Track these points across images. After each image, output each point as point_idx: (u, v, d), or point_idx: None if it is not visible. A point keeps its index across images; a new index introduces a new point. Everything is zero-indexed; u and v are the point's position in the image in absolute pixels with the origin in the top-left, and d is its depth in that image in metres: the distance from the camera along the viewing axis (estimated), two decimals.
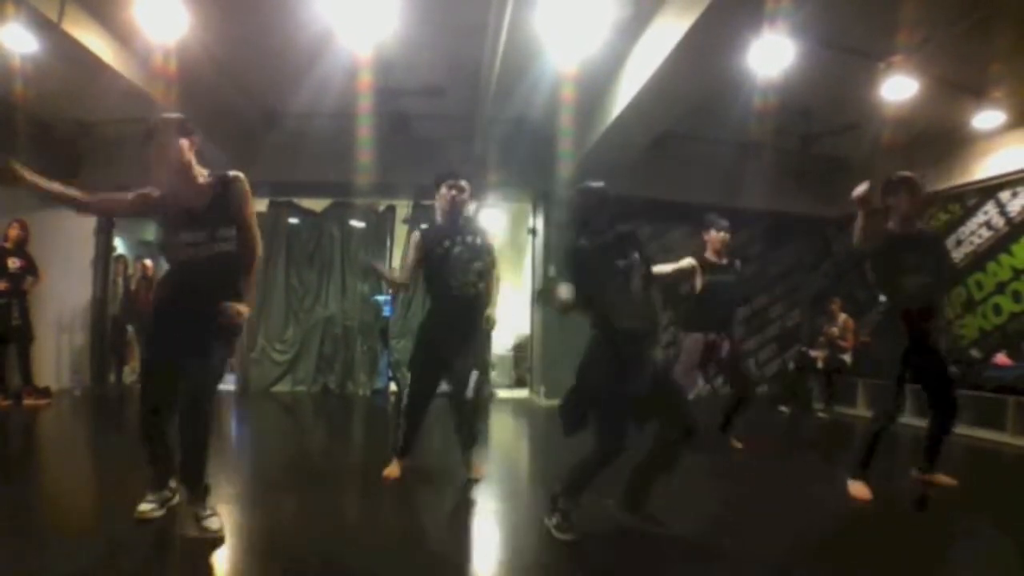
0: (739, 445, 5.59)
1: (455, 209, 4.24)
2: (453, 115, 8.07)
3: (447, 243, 4.14)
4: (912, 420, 6.56)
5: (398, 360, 9.02)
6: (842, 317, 8.79)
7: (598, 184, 3.46)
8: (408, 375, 4.47)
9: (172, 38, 5.27)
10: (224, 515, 3.39)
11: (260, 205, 9.56)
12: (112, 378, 9.36)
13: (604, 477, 3.09)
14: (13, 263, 7.15)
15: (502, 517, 3.70)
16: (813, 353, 8.85)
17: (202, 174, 3.16)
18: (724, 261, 5.62)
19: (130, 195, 3.12)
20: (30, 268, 7.28)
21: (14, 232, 7.24)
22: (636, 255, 3.30)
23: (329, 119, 7.69)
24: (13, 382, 7.20)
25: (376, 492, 4.04)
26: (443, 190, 4.24)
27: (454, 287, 4.10)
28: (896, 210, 4.22)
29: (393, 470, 4.17)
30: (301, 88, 6.84)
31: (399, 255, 9.61)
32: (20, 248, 7.27)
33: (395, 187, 8.95)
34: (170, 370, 3.06)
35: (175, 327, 3.07)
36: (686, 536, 3.33)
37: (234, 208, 3.12)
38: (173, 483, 3.28)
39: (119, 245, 9.92)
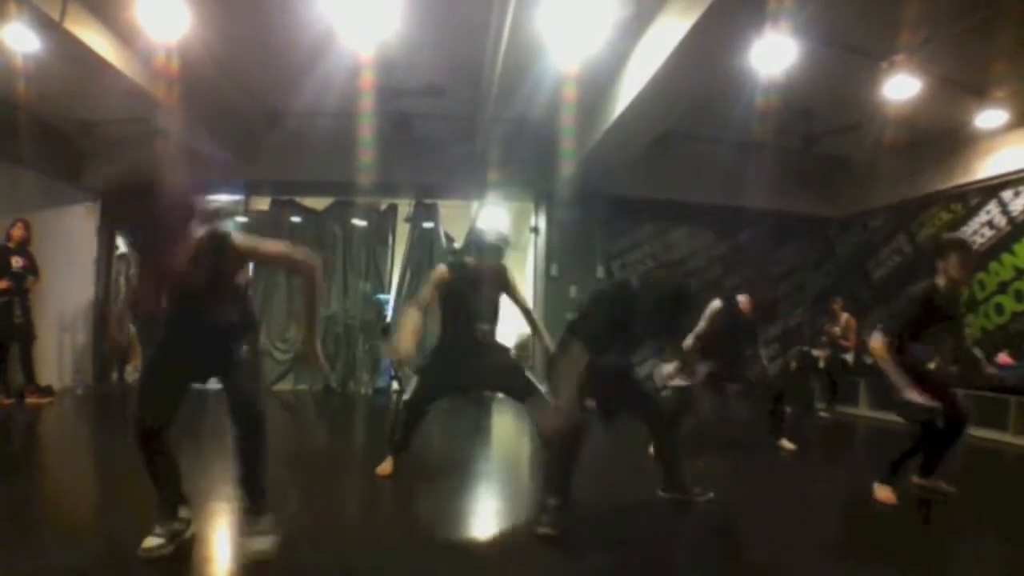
0: (791, 446, 5.65)
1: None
2: (455, 114, 8.07)
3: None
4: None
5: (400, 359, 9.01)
6: (844, 316, 8.79)
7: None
8: (413, 376, 4.47)
9: (174, 37, 5.27)
10: (225, 513, 3.41)
11: (262, 204, 9.59)
12: (114, 377, 9.37)
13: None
14: (16, 262, 7.17)
15: (503, 517, 3.70)
16: (815, 352, 8.84)
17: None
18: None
19: None
20: (32, 267, 7.29)
21: (17, 232, 7.25)
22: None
23: (331, 118, 7.69)
24: (15, 381, 7.22)
25: (377, 490, 4.04)
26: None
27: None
28: (943, 273, 3.97)
29: (386, 467, 4.21)
30: (303, 87, 6.84)
31: (401, 254, 9.64)
32: (23, 247, 7.28)
33: (396, 186, 8.96)
34: (180, 376, 2.86)
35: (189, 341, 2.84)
36: (685, 536, 3.33)
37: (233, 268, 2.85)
38: (185, 512, 2.91)
39: (121, 244, 9.92)
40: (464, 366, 4.15)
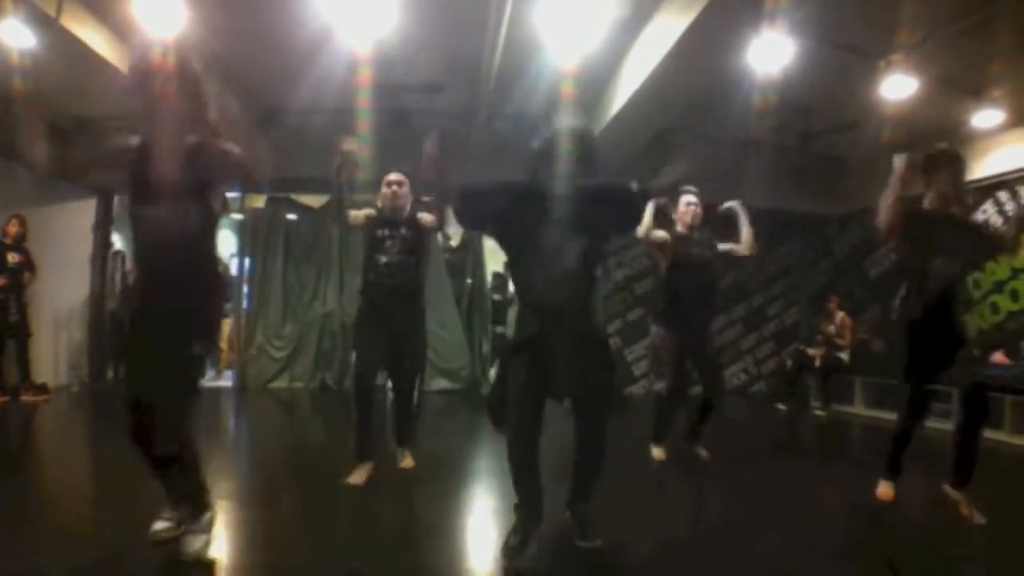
0: (705, 454, 4.90)
1: (394, 204, 4.44)
2: (453, 111, 8.06)
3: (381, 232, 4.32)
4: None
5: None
6: (840, 315, 8.80)
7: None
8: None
9: (171, 34, 5.25)
10: (222, 512, 3.40)
11: (258, 201, 9.57)
12: (110, 374, 9.35)
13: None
14: (12, 258, 7.15)
15: (501, 515, 3.70)
16: (811, 351, 8.86)
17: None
18: (696, 234, 5.15)
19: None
20: (28, 264, 7.27)
21: (13, 228, 7.23)
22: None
23: (328, 115, 7.68)
24: (11, 378, 7.20)
25: (375, 489, 4.04)
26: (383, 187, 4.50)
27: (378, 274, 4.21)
28: (935, 188, 3.73)
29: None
30: (300, 84, 6.82)
31: None
32: (19, 244, 7.26)
33: None
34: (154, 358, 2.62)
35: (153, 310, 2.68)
36: (684, 536, 3.33)
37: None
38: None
39: (117, 241, 9.90)
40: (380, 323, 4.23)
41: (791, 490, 4.42)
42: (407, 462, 4.30)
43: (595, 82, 6.56)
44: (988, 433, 6.42)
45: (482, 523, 3.60)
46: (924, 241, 3.72)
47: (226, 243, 11.97)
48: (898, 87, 5.98)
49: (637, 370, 9.79)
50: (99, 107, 7.57)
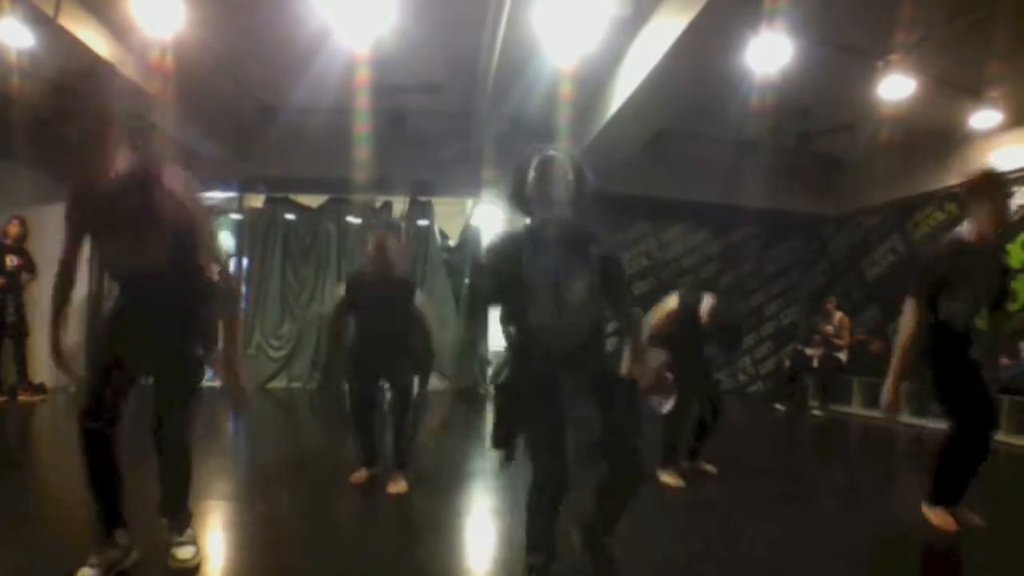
0: (712, 469, 4.74)
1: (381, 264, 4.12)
2: (451, 111, 8.07)
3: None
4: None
5: None
6: (838, 315, 8.81)
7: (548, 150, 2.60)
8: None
9: (169, 33, 5.25)
10: (219, 511, 3.40)
11: (256, 201, 9.56)
12: None
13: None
14: (11, 260, 7.14)
15: (499, 515, 3.70)
16: (809, 351, 8.86)
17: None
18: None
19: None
20: (28, 265, 7.26)
21: (13, 229, 7.23)
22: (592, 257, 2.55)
23: (326, 115, 7.68)
24: (9, 378, 7.19)
25: (373, 489, 4.03)
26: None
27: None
28: (977, 219, 3.43)
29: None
30: (298, 84, 6.82)
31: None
32: (19, 245, 7.25)
33: (392, 183, 8.94)
34: (113, 361, 2.55)
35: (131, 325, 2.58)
36: (680, 536, 3.33)
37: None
38: (123, 537, 2.57)
39: None
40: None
41: (788, 490, 4.42)
42: (398, 486, 3.95)
43: (593, 82, 6.56)
44: None
45: (480, 523, 3.60)
46: (949, 284, 3.45)
47: (224, 243, 12.00)
48: (896, 87, 5.98)
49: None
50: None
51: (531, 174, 2.53)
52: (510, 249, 2.55)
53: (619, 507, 2.64)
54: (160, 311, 2.52)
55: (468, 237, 9.51)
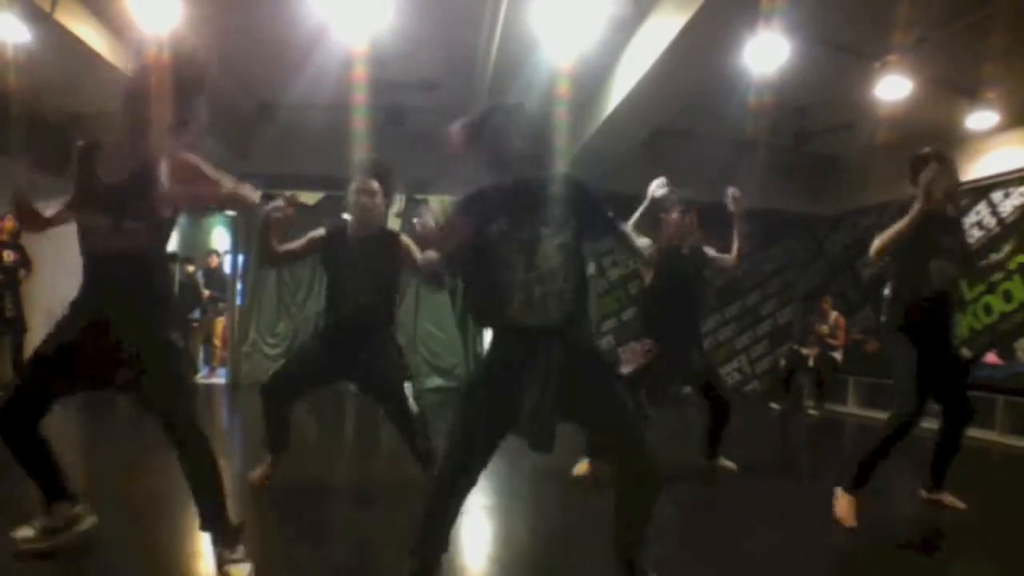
0: (732, 466, 4.65)
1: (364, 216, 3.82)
2: (448, 109, 8.02)
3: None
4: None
5: None
6: (833, 315, 8.83)
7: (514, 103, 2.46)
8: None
9: (166, 30, 5.24)
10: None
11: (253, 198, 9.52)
12: None
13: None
14: (8, 256, 7.13)
15: (495, 513, 3.70)
16: (804, 351, 8.88)
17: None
18: (684, 249, 4.83)
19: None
20: (24, 260, 7.25)
21: (9, 224, 7.21)
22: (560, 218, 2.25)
23: (323, 112, 7.67)
24: (6, 375, 7.18)
25: (369, 487, 4.04)
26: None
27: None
28: (924, 194, 3.63)
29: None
30: (296, 81, 6.82)
31: None
32: (14, 240, 7.24)
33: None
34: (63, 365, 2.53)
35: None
36: (677, 536, 3.33)
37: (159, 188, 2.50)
38: (69, 509, 2.64)
39: None
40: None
41: (785, 489, 4.43)
42: None
43: (591, 80, 6.57)
44: (980, 433, 6.51)
45: (476, 520, 3.59)
46: (921, 243, 3.69)
47: (221, 240, 12.01)
48: (893, 88, 5.99)
49: None
50: (94, 103, 7.56)
51: (502, 128, 2.38)
52: (480, 208, 2.33)
53: (643, 514, 2.32)
54: (131, 296, 2.52)
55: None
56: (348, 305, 3.73)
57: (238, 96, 7.96)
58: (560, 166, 2.39)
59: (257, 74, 7.36)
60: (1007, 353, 7.20)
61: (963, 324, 7.83)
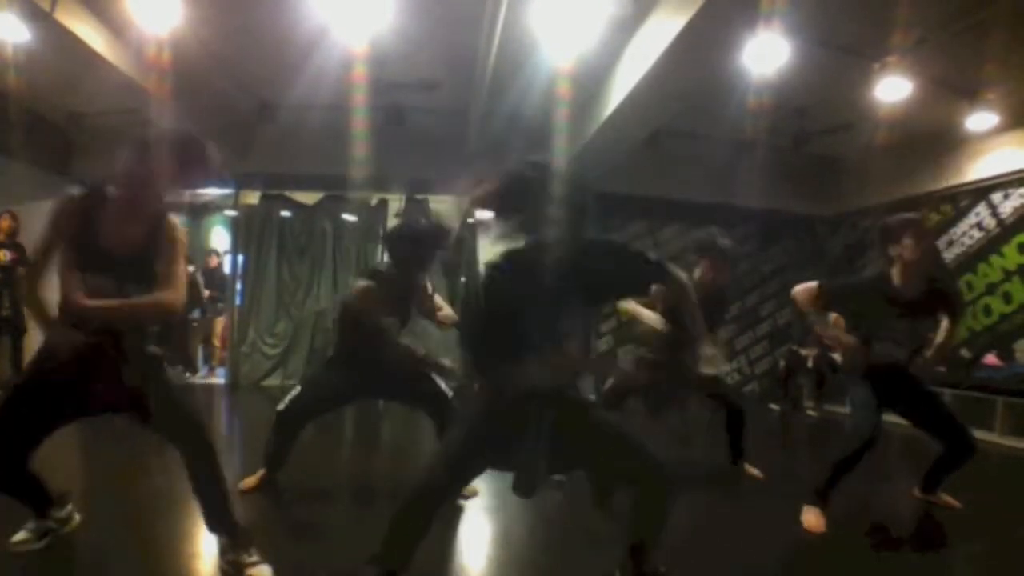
0: (757, 473, 4.66)
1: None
2: (448, 109, 8.06)
3: None
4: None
5: None
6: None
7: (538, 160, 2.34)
8: None
9: (166, 29, 5.24)
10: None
11: (252, 198, 9.54)
12: None
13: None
14: (4, 255, 7.12)
15: (494, 513, 3.70)
16: (804, 352, 8.87)
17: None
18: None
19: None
20: (22, 260, 7.24)
21: (6, 223, 7.21)
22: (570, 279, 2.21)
23: (323, 112, 7.67)
24: (4, 374, 7.18)
25: (368, 487, 4.03)
26: None
27: None
28: (899, 259, 3.55)
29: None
30: (295, 81, 6.81)
31: None
32: (12, 239, 7.24)
33: (388, 181, 8.93)
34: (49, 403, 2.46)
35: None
36: (675, 535, 3.33)
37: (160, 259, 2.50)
38: (59, 512, 2.71)
39: None
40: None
41: (784, 489, 4.43)
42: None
43: (590, 81, 6.57)
44: (979, 434, 6.49)
45: (475, 521, 3.60)
46: (873, 321, 3.66)
47: (220, 240, 12.01)
48: (893, 89, 5.99)
49: None
50: (93, 102, 7.56)
51: (532, 186, 2.27)
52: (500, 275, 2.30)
53: (658, 522, 2.39)
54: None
55: (465, 236, 9.50)
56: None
57: (238, 96, 7.95)
58: (589, 228, 2.35)
59: (257, 74, 7.36)
60: (1007, 354, 7.20)
61: (962, 326, 7.84)
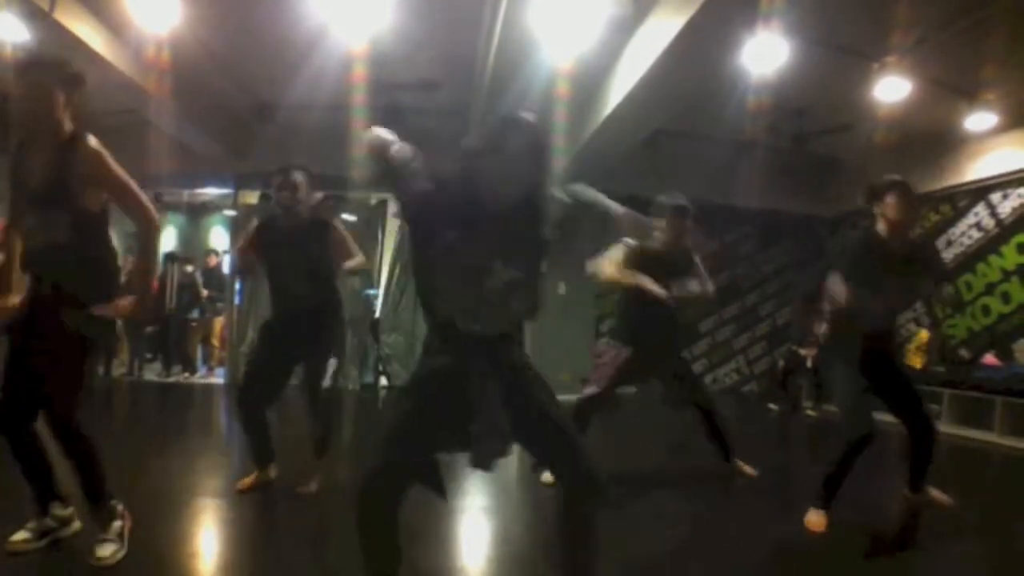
0: (750, 471, 4.57)
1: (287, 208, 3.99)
2: (447, 109, 8.05)
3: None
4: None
5: (388, 354, 9.03)
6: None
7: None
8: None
9: (165, 29, 5.24)
10: (212, 509, 3.41)
11: (251, 198, 9.54)
12: (100, 371, 9.30)
13: None
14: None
15: (493, 513, 3.70)
16: (803, 351, 8.87)
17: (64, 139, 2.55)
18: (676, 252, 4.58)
19: None
20: None
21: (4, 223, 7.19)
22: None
23: (322, 112, 7.66)
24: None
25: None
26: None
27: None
28: (883, 218, 3.64)
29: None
30: (295, 81, 6.81)
31: (390, 250, 9.62)
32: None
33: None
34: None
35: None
36: (674, 536, 3.33)
37: (79, 180, 2.51)
38: (61, 509, 2.72)
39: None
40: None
41: (783, 489, 4.43)
42: (308, 487, 3.82)
43: (590, 81, 6.56)
44: (979, 434, 6.51)
45: (473, 521, 3.60)
46: (863, 275, 3.60)
47: (219, 240, 12.00)
48: (892, 89, 5.99)
49: None
50: (91, 102, 7.54)
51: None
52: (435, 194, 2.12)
53: (586, 533, 2.25)
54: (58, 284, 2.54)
55: None
56: (285, 295, 3.95)
57: (238, 96, 7.95)
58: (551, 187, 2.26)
59: (256, 73, 7.36)
60: (1005, 354, 7.21)
61: (961, 326, 7.85)
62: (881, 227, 3.64)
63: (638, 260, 4.22)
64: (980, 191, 7.76)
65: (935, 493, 3.85)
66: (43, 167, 2.51)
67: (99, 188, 2.58)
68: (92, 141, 2.54)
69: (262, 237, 4.00)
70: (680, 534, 3.39)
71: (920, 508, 3.78)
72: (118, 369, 9.46)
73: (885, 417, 3.64)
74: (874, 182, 3.74)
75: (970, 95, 6.69)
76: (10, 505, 2.73)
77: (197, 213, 12.76)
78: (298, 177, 4.12)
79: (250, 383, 3.83)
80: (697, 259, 4.66)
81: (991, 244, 7.60)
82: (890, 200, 3.60)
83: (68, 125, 2.57)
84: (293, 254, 3.81)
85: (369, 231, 9.50)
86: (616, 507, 2.48)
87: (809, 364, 8.71)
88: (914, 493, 3.84)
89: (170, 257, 9.83)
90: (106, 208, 2.65)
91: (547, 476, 3.96)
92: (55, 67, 2.58)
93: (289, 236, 3.87)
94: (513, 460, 5.28)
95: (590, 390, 4.25)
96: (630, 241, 4.19)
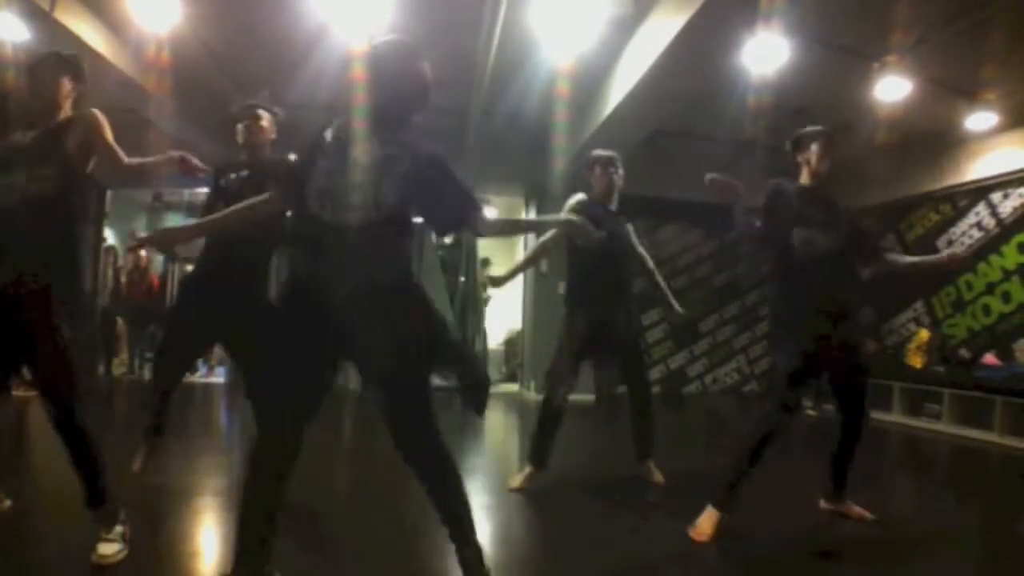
0: (659, 477, 4.24)
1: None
2: (447, 108, 8.05)
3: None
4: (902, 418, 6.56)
5: None
6: None
7: None
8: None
9: (165, 28, 5.24)
10: (211, 508, 3.41)
11: None
12: (101, 370, 9.32)
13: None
14: None
15: (491, 511, 3.70)
16: None
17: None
18: (612, 206, 4.48)
19: None
20: None
21: None
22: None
23: (323, 111, 7.65)
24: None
25: (363, 486, 4.03)
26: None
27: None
28: (806, 166, 3.83)
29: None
30: (295, 80, 6.81)
31: None
32: None
33: None
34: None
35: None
36: (670, 536, 3.33)
37: (73, 140, 2.63)
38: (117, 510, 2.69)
39: (109, 236, 9.86)
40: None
41: (782, 490, 4.43)
42: None
43: (590, 81, 6.56)
44: (979, 434, 6.52)
45: (474, 519, 3.59)
46: (787, 215, 3.67)
47: None
48: (892, 89, 5.99)
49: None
50: (91, 101, 7.55)
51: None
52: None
53: (456, 505, 2.29)
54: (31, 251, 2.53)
55: (464, 235, 9.50)
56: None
57: (237, 95, 7.94)
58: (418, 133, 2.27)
59: (256, 73, 7.35)
60: (1006, 354, 7.21)
61: (961, 325, 7.84)
62: (803, 174, 3.85)
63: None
64: (981, 191, 7.76)
65: (857, 509, 3.63)
66: (37, 135, 2.65)
67: (90, 150, 2.69)
68: (93, 110, 2.72)
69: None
70: (680, 534, 3.39)
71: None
72: (118, 369, 9.46)
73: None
74: (800, 132, 3.99)
75: (970, 95, 6.69)
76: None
77: (197, 213, 12.74)
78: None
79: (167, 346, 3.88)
80: (630, 227, 4.63)
81: (992, 244, 7.60)
82: (814, 148, 3.80)
83: (68, 112, 2.74)
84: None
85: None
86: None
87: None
88: (831, 503, 3.68)
89: (170, 257, 9.81)
90: (92, 183, 2.79)
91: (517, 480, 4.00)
92: (67, 60, 2.82)
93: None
94: (513, 459, 5.28)
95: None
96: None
